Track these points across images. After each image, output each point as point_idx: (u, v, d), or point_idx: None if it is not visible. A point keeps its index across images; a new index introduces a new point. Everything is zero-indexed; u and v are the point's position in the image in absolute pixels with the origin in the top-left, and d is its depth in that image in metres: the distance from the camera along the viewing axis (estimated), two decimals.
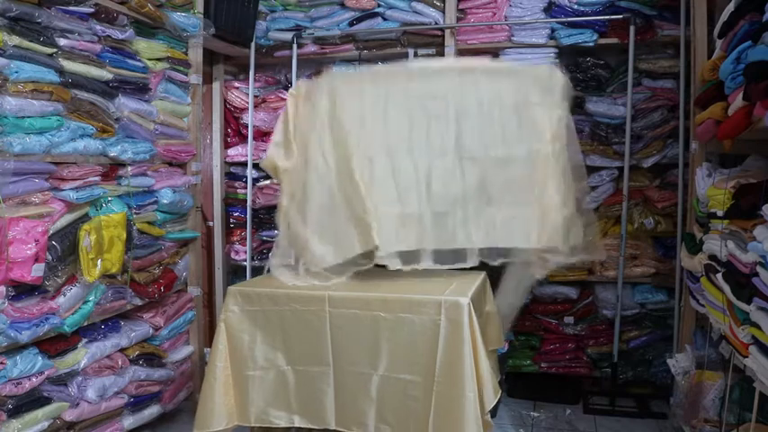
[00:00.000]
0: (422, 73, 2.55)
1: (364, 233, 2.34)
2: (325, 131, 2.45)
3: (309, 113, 2.50)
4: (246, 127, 3.90)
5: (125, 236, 2.57)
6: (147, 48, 2.81)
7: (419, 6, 3.60)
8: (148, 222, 2.83)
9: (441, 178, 2.41)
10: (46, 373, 2.26)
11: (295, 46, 3.76)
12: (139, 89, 2.75)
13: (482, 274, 2.51)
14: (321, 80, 2.57)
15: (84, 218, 2.47)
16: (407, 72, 2.59)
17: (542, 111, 2.42)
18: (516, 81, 2.46)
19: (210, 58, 3.82)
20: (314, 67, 3.96)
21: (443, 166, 2.42)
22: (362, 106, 2.45)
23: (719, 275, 2.18)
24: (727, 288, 2.10)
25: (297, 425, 2.25)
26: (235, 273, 4.13)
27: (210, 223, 3.94)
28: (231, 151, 4.00)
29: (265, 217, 3.88)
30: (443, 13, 3.58)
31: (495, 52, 3.61)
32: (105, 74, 2.52)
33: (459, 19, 3.60)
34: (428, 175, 2.41)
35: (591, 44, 3.44)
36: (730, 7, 2.21)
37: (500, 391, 2.16)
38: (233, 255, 4.00)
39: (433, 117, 2.43)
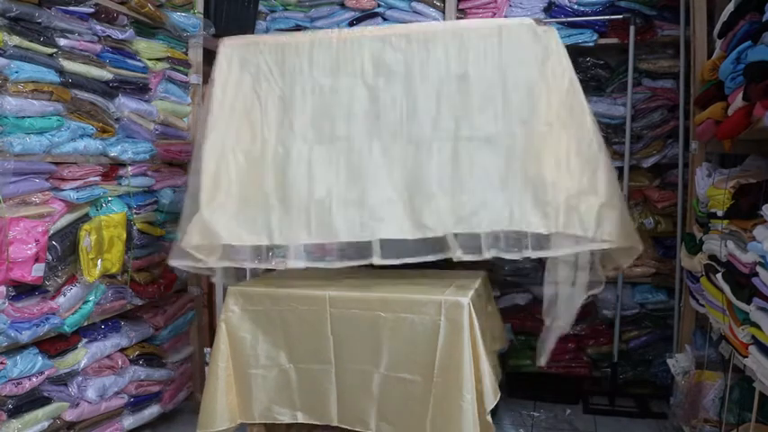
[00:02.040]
0: (371, 42, 2.16)
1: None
2: (262, 110, 2.19)
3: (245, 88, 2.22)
4: None
5: (125, 236, 2.57)
6: (147, 48, 2.81)
7: (419, 6, 3.60)
8: (148, 222, 2.83)
9: (396, 162, 2.12)
10: (46, 373, 2.26)
11: None
12: (139, 89, 2.75)
13: (482, 274, 2.51)
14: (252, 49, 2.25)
15: (85, 218, 2.47)
16: (355, 40, 2.18)
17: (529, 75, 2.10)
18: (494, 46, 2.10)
19: (210, 58, 3.81)
20: None
21: (398, 149, 2.13)
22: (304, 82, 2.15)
23: (719, 275, 2.18)
24: (726, 288, 2.10)
25: (300, 421, 2.26)
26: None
27: None
28: None
29: None
30: (443, 13, 3.57)
31: None
32: (105, 74, 2.52)
33: (458, 19, 3.59)
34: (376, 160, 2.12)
35: (591, 44, 3.44)
36: (730, 7, 2.21)
37: (499, 393, 2.16)
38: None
39: (384, 95, 2.13)
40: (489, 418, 2.06)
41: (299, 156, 2.14)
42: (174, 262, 2.30)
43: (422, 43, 2.10)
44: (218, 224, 2.14)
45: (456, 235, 2.12)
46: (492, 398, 2.07)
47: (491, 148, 2.09)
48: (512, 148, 2.09)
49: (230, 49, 2.26)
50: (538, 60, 2.08)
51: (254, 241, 2.16)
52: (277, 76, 2.17)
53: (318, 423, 2.25)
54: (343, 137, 2.12)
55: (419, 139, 2.10)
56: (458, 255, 2.11)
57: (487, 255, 2.11)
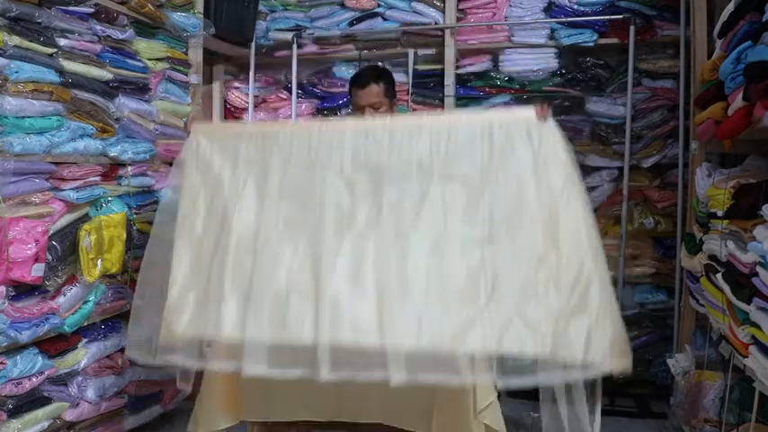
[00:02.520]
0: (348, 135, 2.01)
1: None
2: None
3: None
4: None
5: (125, 236, 2.57)
6: (147, 48, 2.81)
7: (419, 6, 3.60)
8: (148, 222, 2.83)
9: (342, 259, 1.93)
10: (46, 373, 2.26)
11: (295, 46, 3.76)
12: (139, 89, 2.75)
13: None
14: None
15: (85, 218, 2.47)
16: (336, 132, 2.03)
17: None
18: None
19: (210, 58, 3.82)
20: (314, 67, 3.96)
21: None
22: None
23: (719, 275, 2.18)
24: (726, 288, 2.10)
25: (302, 418, 2.25)
26: None
27: None
28: None
29: None
30: (443, 13, 3.58)
31: (494, 52, 3.62)
32: (105, 74, 2.52)
33: (459, 19, 3.60)
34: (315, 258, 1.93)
35: (591, 44, 3.44)
36: (730, 7, 2.21)
37: (495, 393, 2.16)
38: None
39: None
40: (493, 418, 2.06)
41: (269, 246, 2.00)
42: (132, 354, 2.12)
43: (406, 139, 1.95)
44: (184, 315, 2.02)
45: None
46: (485, 398, 2.06)
47: (473, 257, 1.88)
48: (496, 259, 1.87)
49: (210, 136, 2.13)
50: (531, 161, 1.87)
51: (213, 333, 1.99)
52: (256, 166, 2.05)
53: (321, 420, 2.24)
54: (316, 230, 1.96)
55: (393, 239, 1.92)
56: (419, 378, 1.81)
57: (460, 378, 1.84)
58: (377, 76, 2.51)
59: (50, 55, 2.27)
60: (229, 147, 2.10)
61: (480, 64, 3.61)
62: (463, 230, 1.89)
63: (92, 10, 2.42)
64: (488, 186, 1.89)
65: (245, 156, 2.07)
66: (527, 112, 1.89)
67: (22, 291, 2.18)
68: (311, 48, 3.82)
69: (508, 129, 1.90)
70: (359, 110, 2.51)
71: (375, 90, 2.47)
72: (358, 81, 2.51)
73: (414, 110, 3.68)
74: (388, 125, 1.99)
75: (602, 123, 3.46)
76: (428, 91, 3.70)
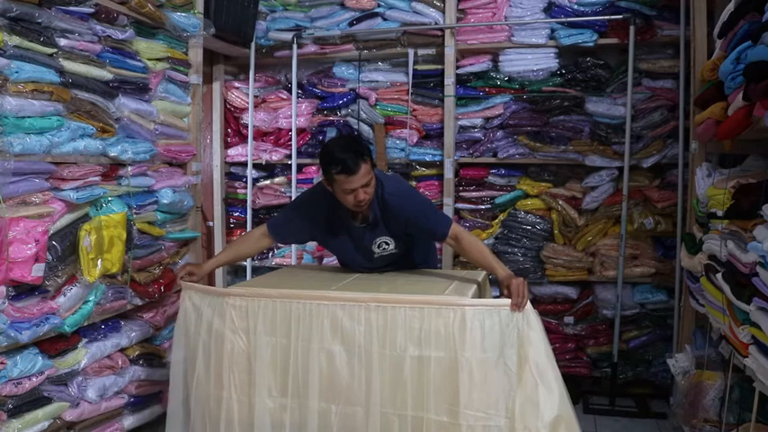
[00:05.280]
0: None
1: None
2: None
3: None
4: (246, 127, 3.91)
5: (125, 236, 2.57)
6: (147, 48, 2.81)
7: (419, 6, 3.60)
8: (148, 222, 2.83)
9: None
10: (46, 373, 2.26)
11: (295, 46, 3.76)
12: (139, 89, 2.75)
13: (482, 274, 2.51)
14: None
15: (85, 218, 2.47)
16: (315, 304, 2.10)
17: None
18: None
19: (210, 58, 3.82)
20: (314, 67, 3.97)
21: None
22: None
23: (719, 275, 2.19)
24: (726, 288, 2.10)
25: None
26: (235, 273, 4.13)
27: (210, 223, 3.94)
28: (231, 151, 4.00)
29: (265, 217, 3.88)
30: (443, 13, 3.58)
31: (494, 52, 3.62)
32: (105, 74, 2.52)
33: (459, 19, 3.60)
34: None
35: (591, 44, 3.45)
36: (730, 7, 2.22)
37: None
38: None
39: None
40: None
41: (261, 410, 2.12)
42: None
43: (381, 315, 2.03)
44: None
45: None
46: None
47: None
48: None
49: (200, 297, 2.25)
50: (504, 349, 1.94)
51: None
52: (241, 330, 2.16)
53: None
54: (301, 395, 2.08)
55: (372, 410, 2.02)
56: None
57: None
58: (360, 153, 2.22)
59: (50, 55, 2.27)
60: (218, 308, 2.19)
61: (480, 64, 3.61)
62: (434, 415, 1.95)
63: (92, 10, 2.42)
64: (460, 373, 1.93)
65: (230, 320, 2.16)
66: (502, 303, 1.97)
67: (22, 291, 2.18)
68: (311, 48, 3.82)
69: (482, 314, 1.96)
70: (349, 193, 2.24)
71: (365, 169, 2.22)
72: (347, 168, 2.19)
73: (414, 110, 3.69)
74: (364, 299, 2.06)
75: (602, 123, 3.46)
76: (428, 91, 3.70)
